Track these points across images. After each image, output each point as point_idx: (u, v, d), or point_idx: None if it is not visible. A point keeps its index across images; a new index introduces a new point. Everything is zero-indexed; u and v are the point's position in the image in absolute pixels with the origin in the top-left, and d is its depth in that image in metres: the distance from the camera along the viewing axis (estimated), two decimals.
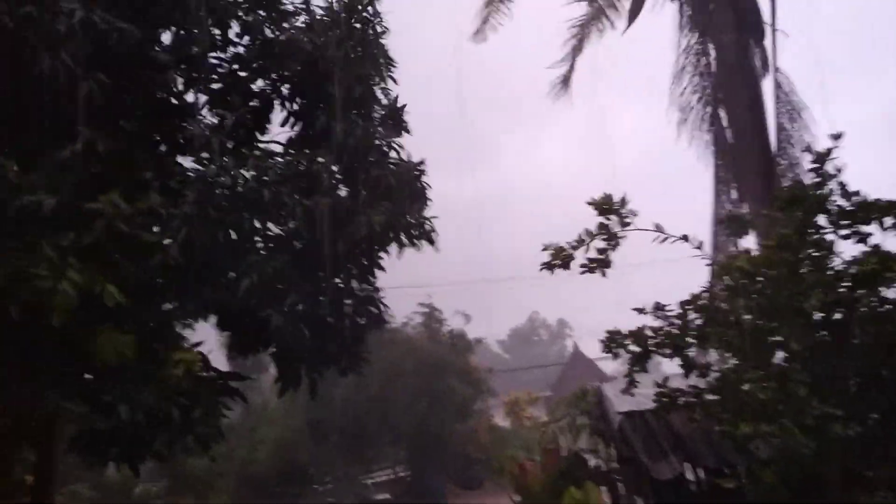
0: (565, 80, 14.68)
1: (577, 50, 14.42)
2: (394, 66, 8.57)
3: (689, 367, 7.09)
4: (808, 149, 6.39)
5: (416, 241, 7.77)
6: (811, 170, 6.64)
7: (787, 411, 5.91)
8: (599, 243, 7.24)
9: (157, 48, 7.16)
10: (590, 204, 7.20)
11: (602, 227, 7.22)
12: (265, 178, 6.82)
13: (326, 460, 25.68)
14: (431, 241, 7.87)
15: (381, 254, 7.88)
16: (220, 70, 7.94)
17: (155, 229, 6.13)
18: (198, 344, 7.10)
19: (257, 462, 24.89)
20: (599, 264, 7.28)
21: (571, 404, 16.51)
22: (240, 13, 7.87)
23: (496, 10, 14.07)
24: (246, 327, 7.47)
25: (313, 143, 7.63)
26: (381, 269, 8.03)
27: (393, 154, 8.04)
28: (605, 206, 7.17)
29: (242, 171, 6.76)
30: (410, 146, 8.29)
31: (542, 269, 7.45)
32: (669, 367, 7.60)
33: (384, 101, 8.39)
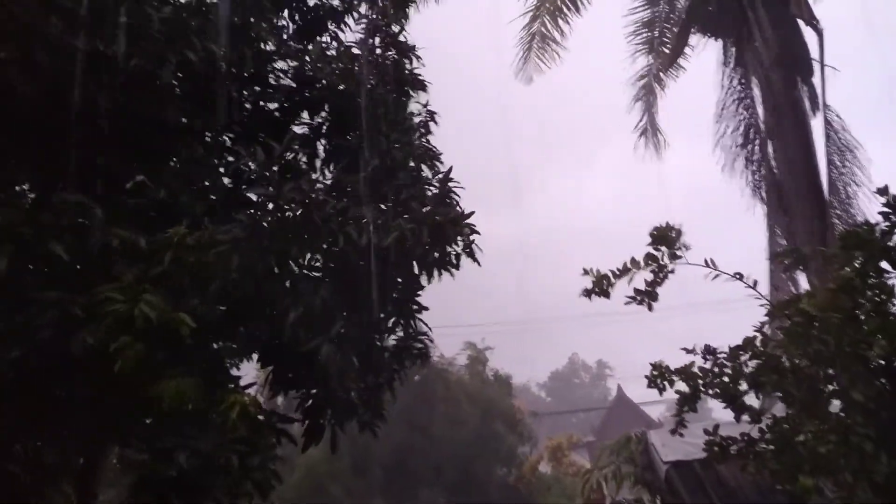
0: (644, 132, 14.54)
1: (649, 98, 14.27)
2: (436, 116, 8.69)
3: (740, 414, 6.74)
4: (882, 190, 6.05)
5: (456, 256, 7.54)
6: (883, 213, 6.23)
7: (849, 465, 5.54)
8: (647, 275, 7.00)
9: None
10: (651, 235, 6.95)
11: (651, 257, 6.98)
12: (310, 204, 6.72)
13: (364, 495, 25.17)
14: (473, 256, 7.63)
15: (420, 283, 7.72)
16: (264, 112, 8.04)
17: (211, 259, 6.02)
18: (248, 386, 7.04)
19: (295, 489, 24.46)
20: (646, 296, 7.03)
21: (616, 451, 16.01)
22: (280, 58, 8.00)
23: (542, 50, 14.01)
24: (290, 362, 7.33)
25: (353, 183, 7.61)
26: (423, 306, 7.89)
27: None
28: (661, 235, 6.93)
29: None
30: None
31: (581, 296, 7.23)
32: (719, 413, 7.27)
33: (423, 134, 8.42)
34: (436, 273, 7.65)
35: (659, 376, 7.00)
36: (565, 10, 13.16)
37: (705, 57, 13.75)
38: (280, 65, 8.12)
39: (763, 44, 12.17)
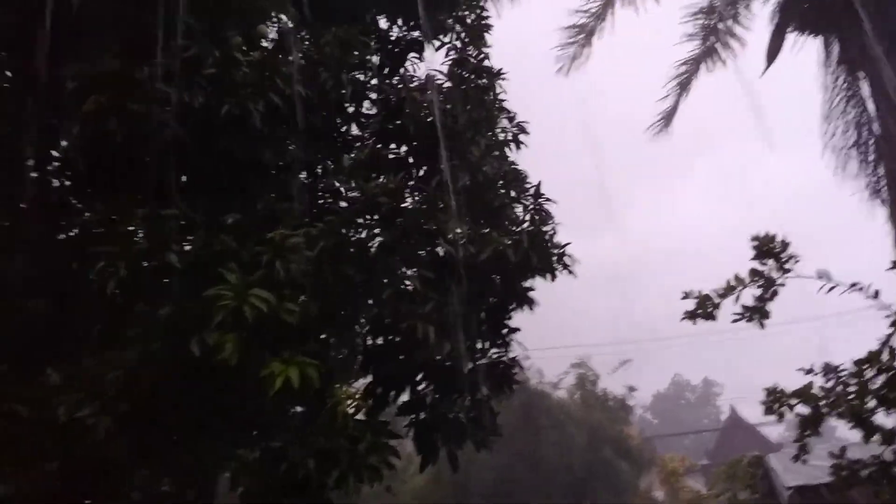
0: (667, 119, 13.99)
1: (683, 88, 13.75)
2: (524, 134, 8.66)
3: (870, 434, 6.21)
4: None
5: (551, 266, 7.48)
6: None
7: None
8: (754, 291, 6.63)
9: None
10: (754, 248, 6.60)
11: (756, 273, 6.61)
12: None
13: None
14: (567, 267, 7.54)
15: (512, 303, 7.67)
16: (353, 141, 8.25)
17: (309, 253, 6.19)
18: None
19: None
20: (755, 313, 6.64)
21: (732, 476, 15.13)
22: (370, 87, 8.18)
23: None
24: (391, 367, 7.35)
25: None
26: (513, 328, 7.83)
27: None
28: (764, 247, 6.56)
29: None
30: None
31: (683, 320, 6.93)
32: (843, 431, 6.74)
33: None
34: (527, 300, 7.67)
35: (775, 402, 6.59)
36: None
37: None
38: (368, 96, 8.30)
39: (875, 36, 11.39)
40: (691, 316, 6.94)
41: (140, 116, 6.04)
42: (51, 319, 6.38)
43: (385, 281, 6.71)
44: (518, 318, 7.93)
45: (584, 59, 13.93)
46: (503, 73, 8.78)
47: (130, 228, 5.94)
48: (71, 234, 6.99)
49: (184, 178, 6.57)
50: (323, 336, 6.88)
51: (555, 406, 25.78)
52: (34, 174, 6.84)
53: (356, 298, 6.79)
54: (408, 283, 6.77)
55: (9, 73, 6.71)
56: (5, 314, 6.34)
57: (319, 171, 7.96)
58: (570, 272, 7.68)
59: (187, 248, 6.11)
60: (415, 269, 6.90)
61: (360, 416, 6.50)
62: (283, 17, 8.04)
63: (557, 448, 23.97)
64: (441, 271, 6.87)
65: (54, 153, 6.84)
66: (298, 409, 6.70)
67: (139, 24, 6.54)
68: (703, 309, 6.80)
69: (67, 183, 6.96)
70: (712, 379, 67.20)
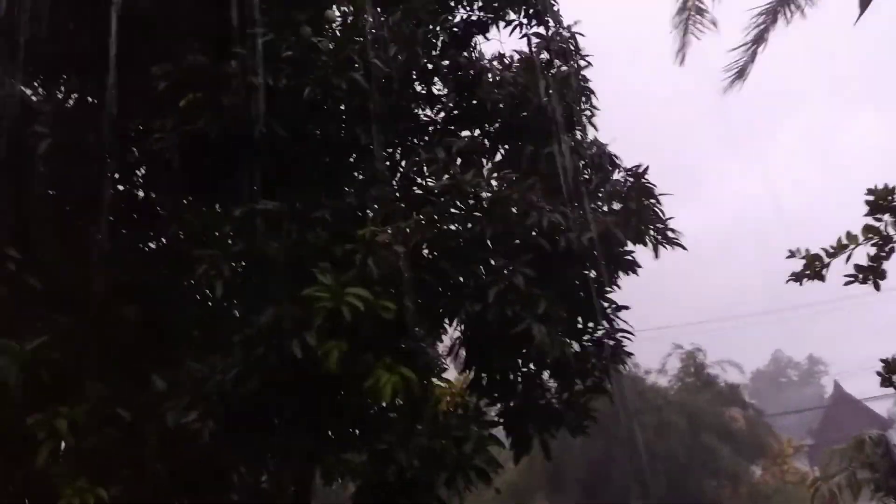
0: (741, 72, 13.04)
1: (759, 40, 12.77)
2: (596, 109, 8.31)
3: None
4: None
5: (657, 241, 7.27)
6: None
7: None
8: (868, 249, 6.11)
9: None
10: (867, 197, 6.07)
11: (870, 229, 6.07)
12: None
13: None
14: (673, 242, 7.30)
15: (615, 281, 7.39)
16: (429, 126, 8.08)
17: (401, 249, 5.99)
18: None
19: None
20: (870, 273, 6.12)
21: (848, 456, 14.22)
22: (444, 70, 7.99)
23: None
24: (492, 364, 7.16)
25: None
26: (621, 305, 7.44)
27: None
28: (881, 199, 6.02)
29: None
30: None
31: (789, 281, 6.46)
32: None
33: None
34: (629, 265, 7.35)
35: (893, 372, 6.09)
36: None
37: None
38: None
39: None
40: (798, 277, 6.46)
41: (232, 110, 6.09)
42: (149, 326, 6.51)
43: (485, 277, 6.48)
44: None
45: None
46: (586, 55, 8.40)
47: (227, 230, 5.98)
48: (161, 241, 7.15)
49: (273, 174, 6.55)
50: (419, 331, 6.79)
51: (650, 390, 25.00)
52: (122, 187, 7.04)
53: (454, 293, 6.60)
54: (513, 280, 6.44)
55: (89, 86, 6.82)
56: (104, 323, 6.54)
57: (398, 156, 7.83)
58: (679, 245, 7.42)
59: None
60: (515, 267, 6.56)
61: (459, 411, 6.36)
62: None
63: (655, 433, 23.27)
64: (542, 258, 6.58)
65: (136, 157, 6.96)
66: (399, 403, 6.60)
67: (212, 20, 6.61)
68: (812, 269, 6.31)
69: (153, 194, 7.09)
70: (818, 356, 63.95)
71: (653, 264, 7.51)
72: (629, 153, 7.99)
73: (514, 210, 6.57)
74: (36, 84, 6.87)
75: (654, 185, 7.51)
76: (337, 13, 7.33)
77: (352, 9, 7.88)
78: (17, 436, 5.69)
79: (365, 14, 7.63)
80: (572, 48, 8.37)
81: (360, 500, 6.21)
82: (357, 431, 6.68)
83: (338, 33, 7.07)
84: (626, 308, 7.38)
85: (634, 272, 7.35)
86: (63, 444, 5.57)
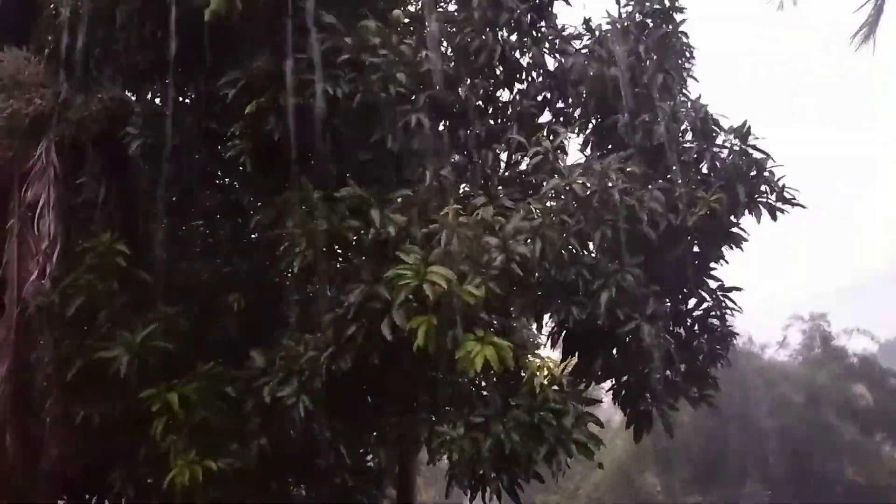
0: (871, 28, 11.85)
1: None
2: (693, 63, 7.95)
3: None
4: None
5: (771, 206, 6.92)
6: None
7: None
8: None
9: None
10: None
11: None
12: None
13: (678, 492, 23.25)
14: (791, 202, 6.94)
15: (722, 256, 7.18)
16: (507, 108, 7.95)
17: (493, 240, 6.03)
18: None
19: (601, 486, 23.63)
20: None
21: None
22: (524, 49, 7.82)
23: None
24: (599, 349, 6.99)
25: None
26: (733, 287, 7.27)
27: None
28: None
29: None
30: None
31: None
32: None
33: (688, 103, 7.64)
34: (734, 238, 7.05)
35: None
36: None
37: None
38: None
39: None
40: None
41: (294, 111, 6.24)
42: (250, 311, 6.84)
43: (591, 280, 6.36)
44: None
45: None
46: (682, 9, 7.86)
47: (306, 209, 6.14)
48: (253, 235, 7.46)
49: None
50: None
51: (767, 366, 23.54)
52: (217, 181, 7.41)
53: (558, 294, 6.55)
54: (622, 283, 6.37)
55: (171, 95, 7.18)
56: (209, 311, 6.92)
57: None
58: (798, 205, 7.01)
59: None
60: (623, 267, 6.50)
61: (556, 387, 6.32)
62: None
63: (771, 410, 22.09)
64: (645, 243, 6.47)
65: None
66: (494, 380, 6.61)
67: (279, 26, 6.80)
68: None
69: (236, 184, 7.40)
70: None
71: (763, 230, 7.14)
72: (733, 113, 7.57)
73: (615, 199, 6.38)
74: (128, 91, 7.31)
75: (761, 149, 7.07)
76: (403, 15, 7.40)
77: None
78: (134, 416, 6.15)
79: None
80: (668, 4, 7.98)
81: (456, 474, 6.21)
82: (452, 408, 6.73)
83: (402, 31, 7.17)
84: (739, 289, 7.18)
85: (739, 246, 7.03)
86: (175, 420, 5.93)
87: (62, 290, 6.28)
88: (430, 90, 6.82)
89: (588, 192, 6.43)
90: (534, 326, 7.45)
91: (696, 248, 7.09)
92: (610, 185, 6.35)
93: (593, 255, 6.67)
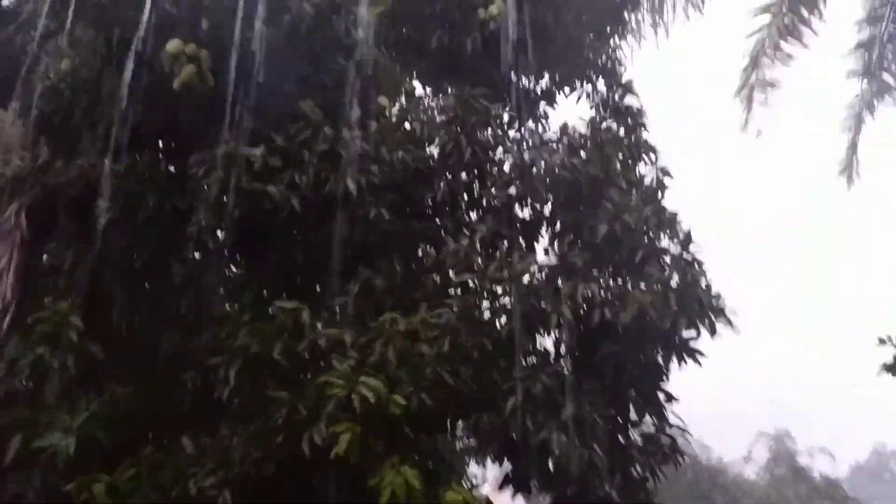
0: (848, 167, 12.10)
1: (857, 128, 11.87)
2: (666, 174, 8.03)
3: None
4: None
5: (709, 319, 6.71)
6: None
7: None
8: None
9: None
10: None
11: None
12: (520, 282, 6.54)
13: None
14: (729, 321, 6.77)
15: (664, 367, 6.97)
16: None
17: (424, 348, 5.98)
18: (475, 487, 6.73)
19: None
20: None
21: None
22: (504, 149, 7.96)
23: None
24: (529, 458, 6.85)
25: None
26: (671, 395, 7.05)
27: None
28: None
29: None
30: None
31: (880, 374, 5.91)
32: None
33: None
34: (688, 352, 6.86)
35: None
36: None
37: None
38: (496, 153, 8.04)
39: None
40: (890, 369, 5.90)
41: (254, 194, 6.35)
42: (204, 390, 6.68)
43: (503, 385, 6.27)
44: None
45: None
46: (642, 114, 8.27)
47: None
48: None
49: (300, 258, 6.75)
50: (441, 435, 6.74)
51: (732, 484, 22.84)
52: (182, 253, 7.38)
53: (473, 400, 6.43)
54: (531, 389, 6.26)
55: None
56: (164, 388, 6.75)
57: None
58: (732, 326, 6.86)
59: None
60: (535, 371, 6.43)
61: None
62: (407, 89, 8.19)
63: None
64: (576, 339, 6.43)
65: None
66: None
67: (261, 112, 6.92)
68: None
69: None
70: None
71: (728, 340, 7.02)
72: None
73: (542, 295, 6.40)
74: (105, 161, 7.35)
75: (698, 259, 7.06)
76: (386, 101, 7.54)
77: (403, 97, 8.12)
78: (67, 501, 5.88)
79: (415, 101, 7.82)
80: (636, 113, 8.22)
81: None
82: None
83: (382, 124, 7.29)
84: (675, 400, 6.97)
85: (695, 360, 6.84)
86: None
87: (9, 361, 6.11)
88: (402, 183, 6.91)
89: (500, 287, 6.43)
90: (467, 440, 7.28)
91: (640, 356, 6.88)
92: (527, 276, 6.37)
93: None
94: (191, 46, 6.47)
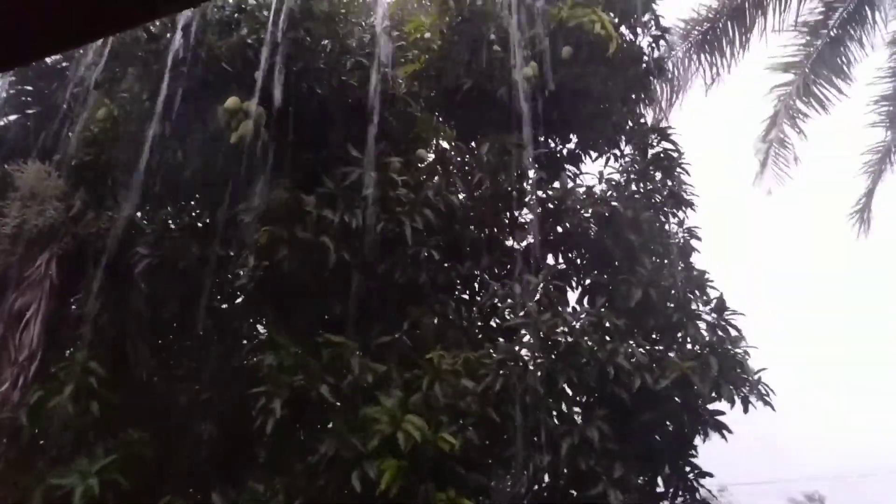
0: (861, 215, 12.10)
1: (875, 178, 11.88)
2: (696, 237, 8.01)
3: None
4: None
5: (743, 400, 6.50)
6: None
7: None
8: None
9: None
10: None
11: None
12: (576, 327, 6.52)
13: None
14: (765, 398, 6.54)
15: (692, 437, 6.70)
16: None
17: (469, 384, 5.94)
18: None
19: None
20: None
21: None
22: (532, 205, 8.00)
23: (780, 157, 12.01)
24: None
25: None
26: (704, 471, 6.73)
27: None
28: None
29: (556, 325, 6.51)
30: None
31: None
32: None
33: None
34: (717, 425, 6.60)
35: None
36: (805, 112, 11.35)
37: None
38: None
39: None
40: None
41: (307, 244, 6.36)
42: (221, 443, 6.52)
43: (557, 427, 6.14)
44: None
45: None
46: (683, 164, 8.24)
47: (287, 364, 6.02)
48: (246, 361, 7.28)
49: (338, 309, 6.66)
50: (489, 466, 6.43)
51: None
52: (211, 303, 7.32)
53: (524, 438, 6.22)
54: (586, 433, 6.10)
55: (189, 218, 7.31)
56: (180, 439, 6.59)
57: (483, 290, 7.70)
58: (768, 403, 6.64)
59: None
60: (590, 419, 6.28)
61: None
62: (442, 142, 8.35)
63: None
64: (619, 406, 6.23)
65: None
66: None
67: (303, 159, 7.03)
68: None
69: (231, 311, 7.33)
70: None
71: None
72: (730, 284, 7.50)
73: (589, 353, 6.30)
74: (140, 213, 7.42)
75: (735, 326, 6.89)
76: (426, 151, 7.66)
77: (442, 143, 8.28)
78: None
79: (451, 151, 7.96)
80: (674, 159, 8.23)
81: None
82: None
83: (424, 171, 7.43)
84: (710, 475, 6.65)
85: (722, 435, 6.57)
86: None
87: (31, 407, 6.02)
88: (447, 228, 7.01)
89: (555, 335, 6.38)
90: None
91: (669, 425, 6.66)
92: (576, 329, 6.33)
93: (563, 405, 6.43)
94: (248, 103, 6.60)
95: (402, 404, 5.59)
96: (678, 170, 8.11)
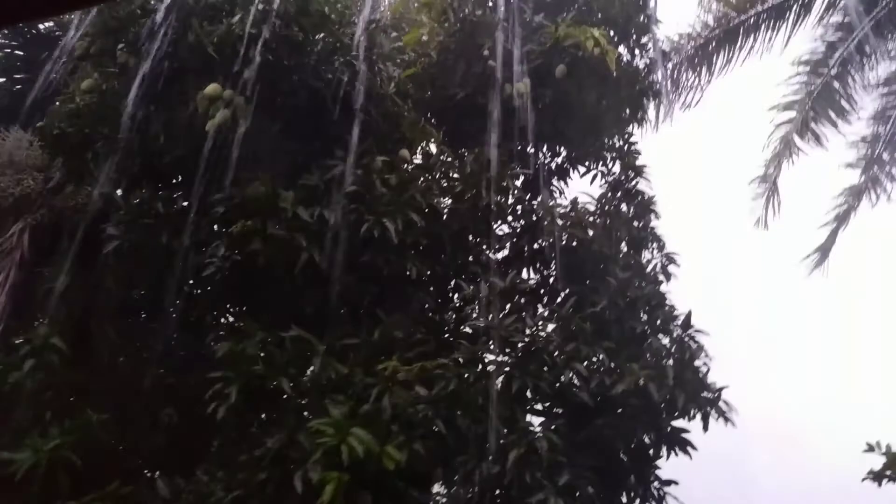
0: (823, 253, 12.21)
1: (841, 221, 12.00)
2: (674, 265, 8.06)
3: None
4: None
5: (703, 416, 6.54)
6: None
7: None
8: None
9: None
10: None
11: None
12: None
13: None
14: (724, 414, 6.55)
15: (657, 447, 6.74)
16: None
17: (423, 391, 5.91)
18: None
19: None
20: None
21: None
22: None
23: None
24: None
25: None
26: (668, 480, 6.76)
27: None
28: None
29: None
30: None
31: (864, 480, 5.75)
32: None
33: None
34: (679, 442, 6.62)
35: None
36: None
37: None
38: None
39: None
40: (878, 477, 5.70)
41: (280, 240, 6.31)
42: (181, 430, 6.51)
43: (507, 435, 6.08)
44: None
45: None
46: (654, 201, 8.32)
47: (250, 353, 5.98)
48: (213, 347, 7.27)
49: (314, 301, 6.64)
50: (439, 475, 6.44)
51: None
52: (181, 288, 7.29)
53: (473, 447, 6.20)
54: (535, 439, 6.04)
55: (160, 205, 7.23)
56: (140, 422, 6.58)
57: (453, 295, 7.75)
58: (727, 420, 6.63)
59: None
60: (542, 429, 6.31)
61: None
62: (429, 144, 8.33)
63: None
64: (577, 414, 6.25)
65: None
66: None
67: (288, 151, 6.98)
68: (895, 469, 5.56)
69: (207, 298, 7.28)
70: None
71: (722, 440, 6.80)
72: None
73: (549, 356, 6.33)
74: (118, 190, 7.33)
75: (700, 344, 6.91)
76: (408, 153, 7.62)
77: (429, 147, 8.26)
78: None
79: (437, 156, 7.94)
80: (647, 200, 8.29)
81: None
82: None
83: (407, 171, 7.35)
84: (674, 483, 6.65)
85: (685, 452, 6.54)
86: None
87: None
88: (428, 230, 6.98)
89: (516, 337, 6.41)
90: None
91: (631, 437, 6.62)
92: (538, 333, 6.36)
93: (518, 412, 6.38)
94: (228, 92, 6.52)
95: (351, 414, 5.53)
96: (649, 214, 8.24)
